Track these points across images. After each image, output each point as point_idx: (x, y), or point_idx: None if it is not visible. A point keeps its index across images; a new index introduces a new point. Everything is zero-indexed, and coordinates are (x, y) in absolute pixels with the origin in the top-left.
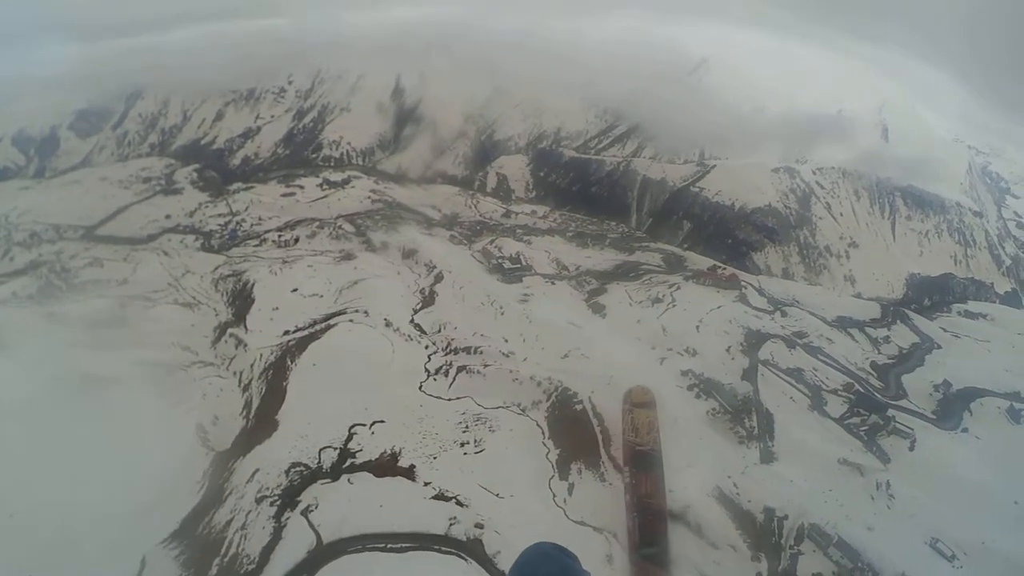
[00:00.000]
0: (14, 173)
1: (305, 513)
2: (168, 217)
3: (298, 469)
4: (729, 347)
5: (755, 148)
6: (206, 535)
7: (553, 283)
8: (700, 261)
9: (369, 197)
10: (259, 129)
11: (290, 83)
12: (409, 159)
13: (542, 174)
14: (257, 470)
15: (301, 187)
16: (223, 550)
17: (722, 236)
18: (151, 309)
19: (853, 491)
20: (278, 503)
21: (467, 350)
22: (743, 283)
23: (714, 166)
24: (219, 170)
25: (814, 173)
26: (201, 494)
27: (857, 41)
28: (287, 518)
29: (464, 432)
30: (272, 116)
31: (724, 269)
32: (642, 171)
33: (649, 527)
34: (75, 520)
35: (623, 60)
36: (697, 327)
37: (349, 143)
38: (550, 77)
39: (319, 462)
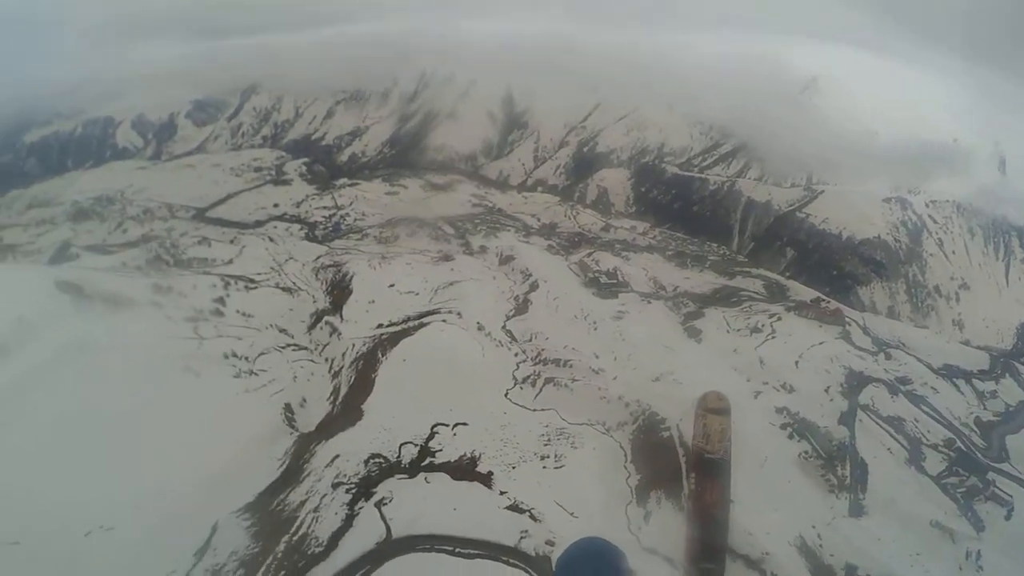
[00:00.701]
0: (132, 154)
1: (379, 505)
2: (276, 206)
3: (377, 461)
4: (828, 387)
5: (866, 175)
6: (279, 511)
7: (649, 302)
8: (803, 292)
9: (470, 201)
10: (367, 128)
11: (398, 86)
12: (511, 166)
13: (643, 189)
14: (337, 456)
15: (404, 187)
16: (293, 528)
17: (827, 266)
18: (252, 290)
19: (942, 557)
20: (353, 491)
21: (556, 362)
22: (847, 319)
23: (822, 191)
24: (327, 165)
25: (927, 206)
26: (280, 471)
27: (973, 67)
28: (360, 507)
29: (546, 445)
30: (380, 117)
31: (828, 303)
32: (747, 192)
33: (709, 539)
34: (153, 480)
35: (730, 76)
36: (796, 362)
37: (454, 147)
38: (655, 92)
39: (399, 456)
